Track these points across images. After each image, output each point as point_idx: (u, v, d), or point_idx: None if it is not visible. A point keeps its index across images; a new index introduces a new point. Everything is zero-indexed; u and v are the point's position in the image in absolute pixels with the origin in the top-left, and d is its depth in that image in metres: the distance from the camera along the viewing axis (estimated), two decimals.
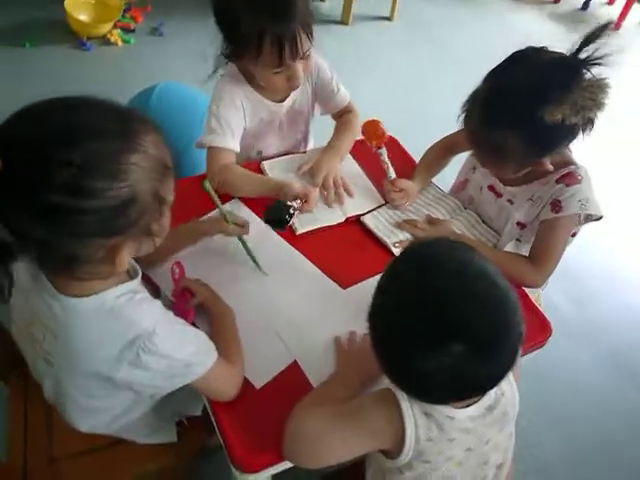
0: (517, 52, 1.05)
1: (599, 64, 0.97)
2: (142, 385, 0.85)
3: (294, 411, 0.88)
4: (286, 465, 0.91)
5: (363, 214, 1.29)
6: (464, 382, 0.73)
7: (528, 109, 0.98)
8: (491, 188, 1.29)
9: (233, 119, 1.29)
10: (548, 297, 1.34)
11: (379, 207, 1.31)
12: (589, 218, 1.17)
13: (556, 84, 0.96)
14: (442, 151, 1.42)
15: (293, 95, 1.38)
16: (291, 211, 1.13)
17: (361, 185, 1.36)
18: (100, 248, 0.73)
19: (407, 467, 0.83)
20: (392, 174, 1.30)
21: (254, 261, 1.13)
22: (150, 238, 0.80)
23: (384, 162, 1.29)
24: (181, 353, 0.83)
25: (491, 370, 0.73)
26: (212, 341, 0.92)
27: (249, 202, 1.27)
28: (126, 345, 0.79)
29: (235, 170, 1.29)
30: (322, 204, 1.29)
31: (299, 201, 1.17)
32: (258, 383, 0.96)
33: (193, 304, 1.02)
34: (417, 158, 1.46)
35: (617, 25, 3.74)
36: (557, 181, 1.16)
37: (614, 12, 3.84)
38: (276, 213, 1.14)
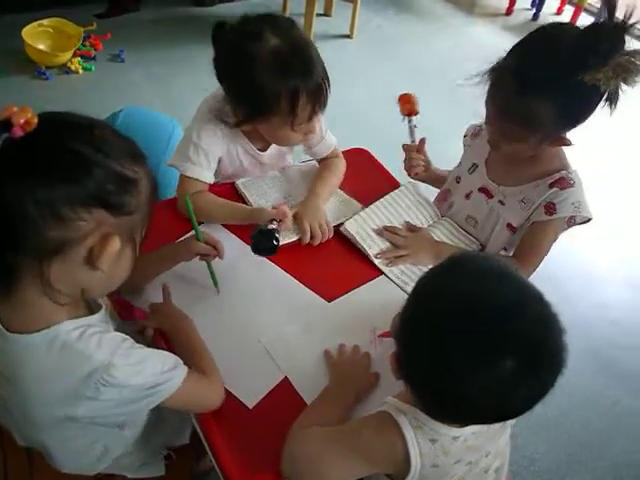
0: (543, 26, 1.07)
1: (635, 25, 0.97)
2: (107, 416, 0.81)
3: (292, 431, 0.86)
4: None
5: (340, 224, 1.28)
6: (506, 403, 0.70)
7: (567, 73, 0.98)
8: (482, 190, 1.29)
9: (212, 150, 1.27)
10: None
11: (360, 211, 1.31)
12: (572, 221, 1.19)
13: (597, 48, 0.96)
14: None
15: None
16: (276, 235, 1.14)
17: (336, 197, 1.37)
18: (93, 229, 0.71)
19: None
20: (416, 140, 1.39)
21: (214, 282, 1.11)
22: (130, 250, 0.78)
23: (413, 127, 1.39)
24: (143, 377, 0.79)
25: (534, 392, 0.70)
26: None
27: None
28: (82, 380, 0.75)
29: (206, 197, 1.28)
30: None
31: (275, 222, 1.17)
32: (250, 403, 0.94)
33: (150, 335, 1.00)
34: (388, 167, 1.49)
35: None
36: (550, 185, 1.17)
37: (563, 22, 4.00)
38: (262, 241, 1.14)
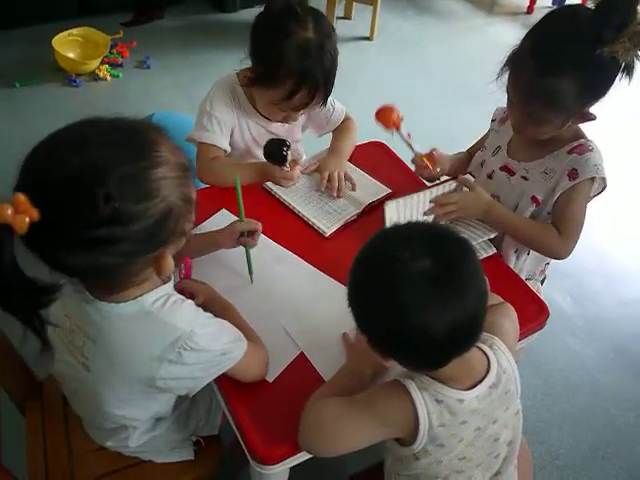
0: (553, 10, 1.11)
1: None
2: (181, 379, 0.88)
3: (309, 401, 0.91)
4: (302, 458, 0.93)
5: (369, 203, 1.36)
6: (436, 315, 0.73)
7: (584, 49, 1.01)
8: (504, 168, 1.32)
9: (225, 119, 1.37)
10: (549, 296, 1.36)
11: (407, 195, 1.31)
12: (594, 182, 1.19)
13: (612, 20, 0.98)
14: (467, 155, 1.51)
15: None
16: (287, 143, 1.27)
17: (363, 180, 1.43)
18: (147, 261, 0.78)
19: (422, 453, 0.85)
20: (418, 150, 1.37)
21: (249, 270, 1.16)
22: (185, 237, 0.84)
23: (405, 141, 1.36)
24: (219, 344, 0.89)
25: (459, 307, 0.74)
26: None
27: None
28: (167, 347, 0.83)
29: (222, 160, 1.37)
30: (337, 201, 1.36)
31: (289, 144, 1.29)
32: (270, 377, 0.99)
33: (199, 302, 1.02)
34: (407, 163, 1.51)
35: None
36: (568, 152, 1.19)
37: None
38: (274, 149, 1.27)
